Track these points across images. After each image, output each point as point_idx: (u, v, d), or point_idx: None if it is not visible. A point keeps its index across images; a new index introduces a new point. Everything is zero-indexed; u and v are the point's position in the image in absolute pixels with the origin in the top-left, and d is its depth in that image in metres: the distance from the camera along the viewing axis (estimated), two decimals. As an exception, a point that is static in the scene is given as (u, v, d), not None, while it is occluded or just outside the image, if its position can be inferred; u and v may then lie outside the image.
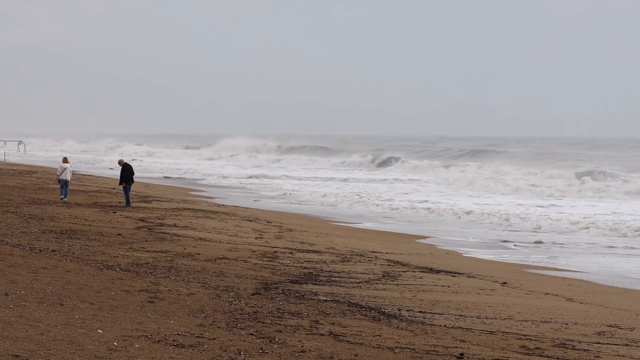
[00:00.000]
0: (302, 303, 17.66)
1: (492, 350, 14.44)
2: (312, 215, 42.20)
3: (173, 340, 13.18)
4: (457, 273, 24.01)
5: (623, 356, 14.88)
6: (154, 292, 17.43)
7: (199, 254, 24.31)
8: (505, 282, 22.74)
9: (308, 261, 24.44)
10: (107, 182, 58.21)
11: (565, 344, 15.43)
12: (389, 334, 15.21)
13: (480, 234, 37.16)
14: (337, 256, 25.92)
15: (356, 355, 13.30)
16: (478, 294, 20.71)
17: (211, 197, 51.66)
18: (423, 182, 75.45)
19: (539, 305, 19.63)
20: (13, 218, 30.15)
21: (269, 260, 24.13)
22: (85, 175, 68.14)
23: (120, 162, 41.08)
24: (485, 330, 16.27)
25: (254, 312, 16.25)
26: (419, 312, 17.84)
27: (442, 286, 21.50)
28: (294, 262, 24.02)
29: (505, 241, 34.01)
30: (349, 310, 17.29)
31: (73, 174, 44.38)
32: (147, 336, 13.28)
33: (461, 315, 17.75)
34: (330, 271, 22.76)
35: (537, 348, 14.90)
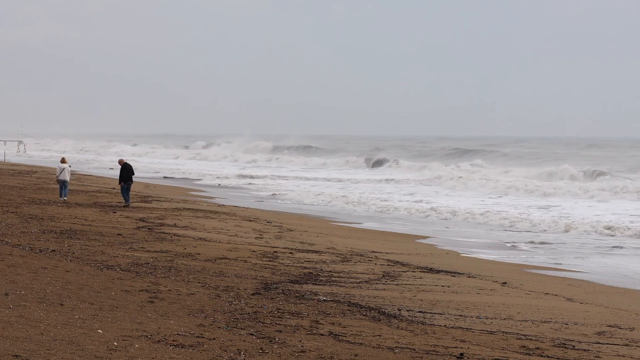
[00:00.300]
0: (302, 303, 17.66)
1: (492, 350, 14.44)
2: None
3: (173, 340, 13.18)
4: (457, 273, 24.01)
5: (623, 356, 14.88)
6: (154, 292, 17.44)
7: (199, 254, 24.31)
8: (505, 282, 22.75)
9: (308, 261, 24.44)
10: (107, 182, 58.21)
11: (565, 344, 15.43)
12: (389, 334, 15.21)
13: (481, 234, 37.16)
14: (337, 256, 25.93)
15: (356, 355, 13.30)
16: (478, 294, 20.72)
17: (211, 197, 51.68)
18: (411, 182, 75.21)
19: (539, 305, 19.63)
20: (13, 218, 30.16)
21: (269, 260, 24.13)
22: (85, 175, 68.16)
23: (120, 162, 41.12)
24: (485, 330, 16.27)
25: (254, 312, 16.25)
26: (419, 312, 17.84)
27: (442, 286, 21.50)
28: (294, 262, 24.02)
29: (511, 242, 33.87)
30: (349, 310, 17.29)
31: (72, 173, 44.40)
32: (147, 336, 13.28)
33: (461, 315, 17.75)
34: (330, 271, 22.77)
35: (537, 348, 14.90)
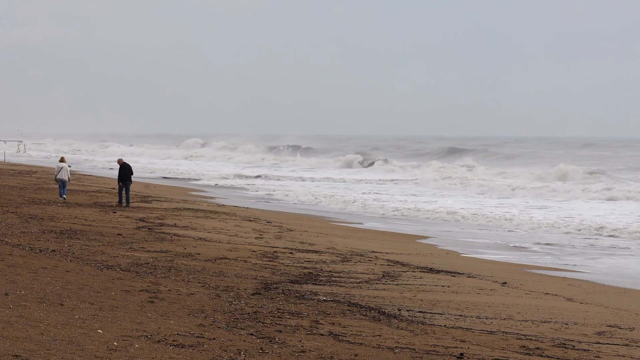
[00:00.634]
0: (302, 303, 17.66)
1: (492, 350, 14.45)
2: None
3: (173, 340, 13.18)
4: (457, 273, 24.02)
5: (623, 356, 14.89)
6: (154, 292, 17.44)
7: (199, 254, 24.31)
8: (505, 282, 22.75)
9: (308, 261, 24.44)
10: (107, 182, 58.21)
11: (565, 344, 15.44)
12: (389, 334, 15.21)
13: (479, 235, 37.16)
14: (337, 256, 25.93)
15: (356, 355, 13.30)
16: (478, 294, 20.72)
17: (212, 197, 51.69)
18: (400, 182, 75.00)
19: (539, 305, 19.63)
20: (13, 218, 30.15)
21: (269, 260, 24.13)
22: (85, 175, 68.16)
23: (119, 162, 41.14)
24: (485, 330, 16.28)
25: (254, 312, 16.25)
26: (419, 312, 17.84)
27: (442, 286, 21.50)
28: (294, 262, 24.03)
29: (517, 243, 33.77)
30: (349, 310, 17.29)
31: (72, 173, 44.40)
32: (147, 336, 13.28)
33: (461, 315, 17.76)
34: (330, 271, 22.77)
35: (537, 348, 14.91)
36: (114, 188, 49.51)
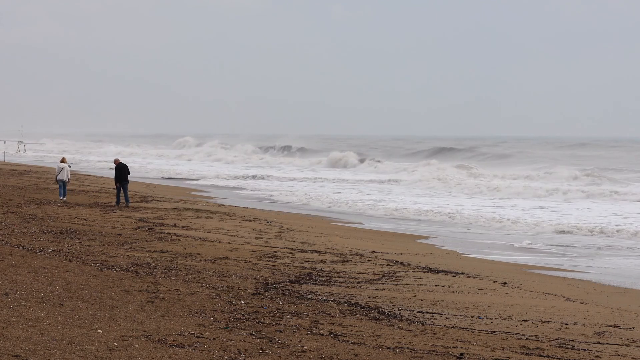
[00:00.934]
0: (302, 303, 17.66)
1: (492, 350, 14.45)
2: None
3: (173, 340, 13.18)
4: (457, 273, 24.02)
5: (623, 356, 14.89)
6: (154, 292, 17.44)
7: (199, 254, 24.31)
8: (505, 282, 22.75)
9: (308, 261, 24.44)
10: (107, 182, 58.17)
11: (565, 344, 15.44)
12: (389, 334, 15.21)
13: (477, 236, 37.16)
14: (337, 256, 25.93)
15: (356, 355, 13.30)
16: (478, 294, 20.72)
17: (213, 197, 51.69)
18: (387, 182, 75.10)
19: (539, 305, 19.64)
20: (13, 218, 30.15)
21: (269, 260, 24.13)
22: (85, 175, 68.17)
23: (116, 162, 41.20)
24: (485, 330, 16.28)
25: (254, 312, 16.25)
26: (419, 312, 17.85)
27: (442, 286, 21.50)
28: (294, 262, 24.03)
29: (526, 244, 33.71)
30: (349, 310, 17.29)
31: (72, 173, 44.40)
32: (147, 336, 13.28)
33: (461, 315, 17.76)
34: (330, 271, 22.77)
35: (537, 348, 14.91)
36: (113, 188, 49.52)
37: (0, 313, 13.88)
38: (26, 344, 11.98)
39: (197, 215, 36.33)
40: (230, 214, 37.80)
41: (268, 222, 35.36)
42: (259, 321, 15.37)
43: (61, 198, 39.69)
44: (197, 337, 13.59)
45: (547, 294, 21.37)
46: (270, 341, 13.76)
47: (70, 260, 20.90)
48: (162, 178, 75.12)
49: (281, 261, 24.13)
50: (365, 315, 16.88)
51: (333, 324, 15.69)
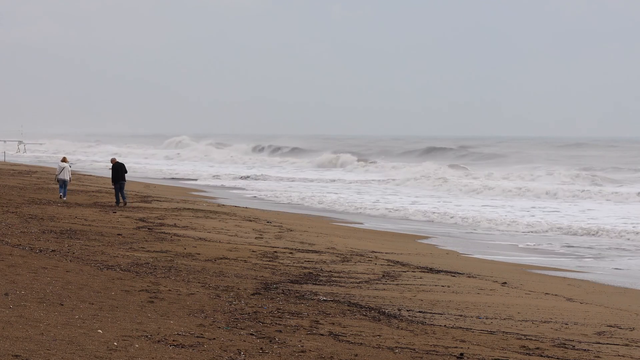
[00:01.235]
0: (302, 303, 17.66)
1: (492, 350, 14.45)
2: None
3: (173, 340, 13.18)
4: (457, 273, 24.02)
5: (623, 356, 14.89)
6: (154, 292, 17.44)
7: (199, 254, 24.31)
8: (505, 282, 22.75)
9: (308, 261, 24.45)
10: (107, 182, 58.14)
11: (565, 344, 15.44)
12: (389, 334, 15.21)
13: (477, 236, 37.16)
14: (337, 256, 25.93)
15: (356, 355, 13.30)
16: (478, 294, 20.72)
17: (213, 198, 51.71)
18: (373, 182, 75.04)
19: (539, 305, 19.64)
20: (13, 218, 30.15)
21: (269, 260, 24.13)
22: (85, 175, 68.18)
23: (113, 161, 41.30)
24: (485, 330, 16.28)
25: (254, 312, 16.25)
26: (419, 312, 17.85)
27: (442, 286, 21.51)
28: (294, 262, 24.03)
29: (534, 245, 33.71)
30: (349, 310, 17.30)
31: (73, 173, 44.41)
32: (147, 336, 13.29)
33: (461, 315, 17.76)
34: (330, 271, 22.77)
35: (537, 348, 14.91)
36: (113, 188, 49.53)
37: (0, 313, 13.89)
38: (26, 344, 11.99)
39: (197, 215, 36.34)
40: (230, 214, 37.81)
41: (268, 222, 35.37)
42: (259, 321, 15.37)
43: (61, 197, 39.69)
44: (197, 337, 13.60)
45: (547, 294, 21.38)
46: (270, 341, 13.76)
47: (70, 260, 20.91)
48: (163, 179, 75.20)
49: (281, 261, 24.14)
50: (365, 315, 16.88)
51: (333, 324, 15.69)
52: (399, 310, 17.87)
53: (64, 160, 41.93)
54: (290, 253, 26.04)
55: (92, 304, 15.52)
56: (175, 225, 31.72)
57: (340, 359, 13.01)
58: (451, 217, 43.50)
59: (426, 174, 76.89)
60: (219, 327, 14.53)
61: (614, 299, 21.33)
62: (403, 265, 24.99)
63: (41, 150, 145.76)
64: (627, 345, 15.83)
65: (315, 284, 20.49)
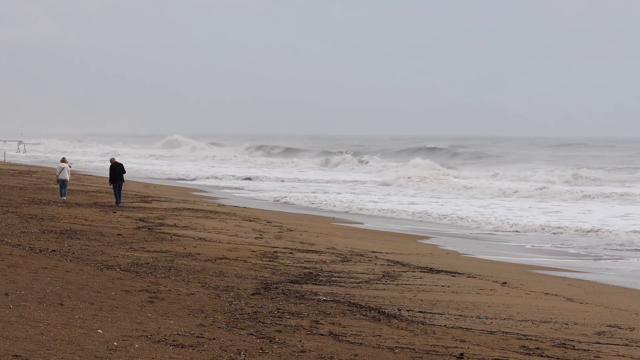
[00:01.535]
0: (302, 303, 17.66)
1: (492, 350, 14.45)
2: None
3: (173, 340, 13.18)
4: (457, 273, 24.02)
5: (623, 356, 14.89)
6: (154, 292, 17.44)
7: (199, 254, 24.31)
8: (505, 282, 22.75)
9: (308, 261, 24.45)
10: (107, 182, 58.17)
11: (565, 344, 15.44)
12: (389, 334, 15.21)
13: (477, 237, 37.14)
14: (337, 256, 25.93)
15: (356, 355, 13.30)
16: (478, 294, 20.72)
17: (214, 198, 51.71)
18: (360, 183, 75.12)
19: (539, 305, 19.64)
20: (13, 218, 30.15)
21: (269, 260, 24.13)
22: (85, 175, 68.18)
23: (112, 161, 41.35)
24: (485, 330, 16.28)
25: (254, 312, 16.25)
26: (419, 312, 17.85)
27: (442, 286, 21.51)
28: (294, 262, 24.03)
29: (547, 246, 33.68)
30: (349, 310, 17.29)
31: (72, 173, 44.40)
32: (147, 336, 13.28)
33: (461, 315, 17.76)
34: (330, 271, 22.77)
35: (537, 348, 14.91)
36: (112, 188, 49.52)
37: (0, 313, 13.89)
38: (26, 344, 11.99)
39: (197, 215, 36.34)
40: (230, 214, 37.80)
41: (268, 222, 35.37)
42: (259, 321, 15.37)
43: (61, 198, 39.70)
44: (197, 337, 13.60)
45: (547, 294, 21.38)
46: (270, 341, 13.76)
47: (70, 260, 20.90)
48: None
49: (281, 261, 24.13)
50: (365, 315, 16.88)
51: (333, 324, 15.69)
52: (399, 310, 17.87)
53: (63, 160, 41.94)
54: (290, 253, 26.04)
55: (92, 304, 15.52)
56: (175, 225, 31.72)
57: (340, 359, 13.01)
58: (444, 217, 43.55)
59: (415, 174, 76.99)
60: (219, 327, 14.53)
61: (614, 299, 21.33)
62: (403, 265, 24.99)
63: (39, 150, 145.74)
64: (627, 345, 15.83)
65: (315, 284, 20.49)
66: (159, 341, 13.05)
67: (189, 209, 38.93)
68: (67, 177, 40.39)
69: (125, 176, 40.21)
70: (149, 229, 30.11)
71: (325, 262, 24.51)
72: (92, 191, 47.32)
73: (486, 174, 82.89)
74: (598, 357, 14.69)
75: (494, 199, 57.11)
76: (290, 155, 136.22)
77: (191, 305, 16.37)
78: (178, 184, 68.08)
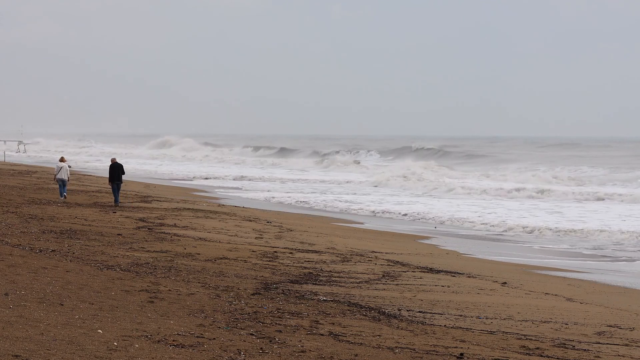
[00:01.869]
0: (302, 303, 17.66)
1: (492, 350, 14.45)
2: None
3: (173, 340, 13.18)
4: (457, 273, 24.02)
5: (623, 356, 14.89)
6: (154, 292, 17.44)
7: (199, 254, 24.31)
8: (505, 282, 22.75)
9: (308, 261, 24.45)
10: (107, 182, 58.17)
11: (565, 344, 15.44)
12: (389, 334, 15.21)
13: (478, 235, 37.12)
14: (337, 256, 25.93)
15: (356, 355, 13.30)
16: (478, 294, 20.72)
17: (214, 198, 51.70)
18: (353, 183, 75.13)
19: (539, 305, 19.64)
20: (13, 218, 30.15)
21: (269, 260, 24.13)
22: (85, 175, 68.18)
23: (112, 161, 41.38)
24: (485, 330, 16.28)
25: (254, 312, 16.25)
26: (419, 312, 17.85)
27: (442, 286, 21.51)
28: (294, 262, 24.03)
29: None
30: (349, 310, 17.29)
31: (72, 173, 44.41)
32: (147, 336, 13.29)
33: (461, 315, 17.76)
34: (330, 271, 22.77)
35: (537, 348, 14.91)
36: (111, 188, 49.52)
37: (0, 313, 13.89)
38: (26, 344, 11.99)
39: (197, 215, 36.34)
40: (230, 214, 37.80)
41: (268, 222, 35.37)
42: (259, 321, 15.37)
43: (61, 197, 39.69)
44: (197, 337, 13.60)
45: (547, 294, 21.38)
46: (270, 341, 13.76)
47: (70, 260, 20.91)
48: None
49: (281, 261, 24.13)
50: (365, 315, 16.88)
51: (333, 324, 15.69)
52: (399, 310, 17.87)
53: (62, 160, 41.93)
54: (290, 253, 26.04)
55: (92, 304, 15.52)
56: (175, 225, 31.72)
57: (340, 359, 13.01)
58: (444, 217, 43.56)
59: (403, 173, 77.01)
60: (219, 327, 14.53)
61: (614, 299, 21.33)
62: (403, 265, 24.99)
63: (36, 149, 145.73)
64: (627, 345, 15.83)
65: (315, 284, 20.49)
66: (159, 341, 13.05)
67: (188, 209, 38.93)
68: (66, 176, 40.37)
69: (124, 177, 40.22)
70: (149, 229, 30.11)
71: (325, 262, 24.51)
72: (92, 191, 47.33)
73: (486, 174, 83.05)
74: (598, 357, 14.70)
75: (494, 199, 57.13)
76: (284, 155, 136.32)
77: (191, 305, 16.37)
78: (178, 184, 68.06)
